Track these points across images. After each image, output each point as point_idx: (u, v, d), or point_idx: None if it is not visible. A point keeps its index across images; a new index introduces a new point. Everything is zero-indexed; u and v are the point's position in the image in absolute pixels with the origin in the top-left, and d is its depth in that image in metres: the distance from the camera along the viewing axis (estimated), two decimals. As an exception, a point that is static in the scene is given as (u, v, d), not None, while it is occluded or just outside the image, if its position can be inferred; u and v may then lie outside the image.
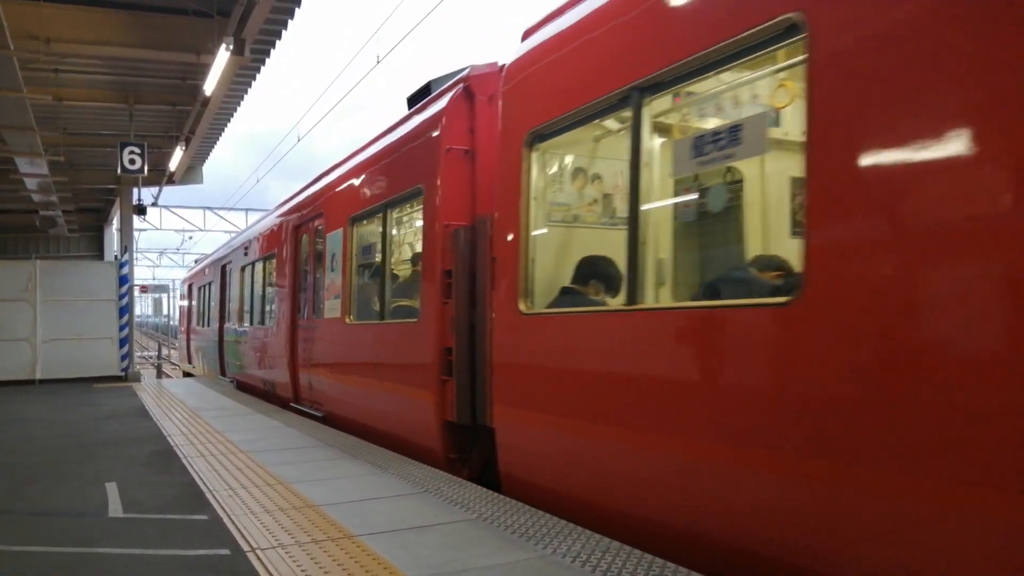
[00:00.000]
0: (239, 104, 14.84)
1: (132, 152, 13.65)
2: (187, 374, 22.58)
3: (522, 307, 4.87)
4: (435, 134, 6.27)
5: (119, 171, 13.87)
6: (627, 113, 4.13)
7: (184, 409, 10.26)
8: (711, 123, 4.06)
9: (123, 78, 12.98)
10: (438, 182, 6.15)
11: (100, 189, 21.48)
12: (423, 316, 6.29)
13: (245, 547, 3.77)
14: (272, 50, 11.92)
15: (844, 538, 2.81)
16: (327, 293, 8.95)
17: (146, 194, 18.44)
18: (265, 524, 4.17)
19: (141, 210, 17.09)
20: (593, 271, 4.81)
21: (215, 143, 17.79)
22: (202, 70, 11.30)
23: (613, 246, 4.51)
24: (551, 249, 5.13)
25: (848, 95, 2.85)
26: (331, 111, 17.81)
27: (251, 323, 13.52)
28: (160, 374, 18.60)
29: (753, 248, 4.29)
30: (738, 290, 3.81)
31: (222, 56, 9.92)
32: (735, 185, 4.36)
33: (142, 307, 45.99)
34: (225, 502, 4.72)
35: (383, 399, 7.20)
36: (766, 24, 3.17)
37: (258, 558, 3.59)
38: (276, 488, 5.08)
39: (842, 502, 2.82)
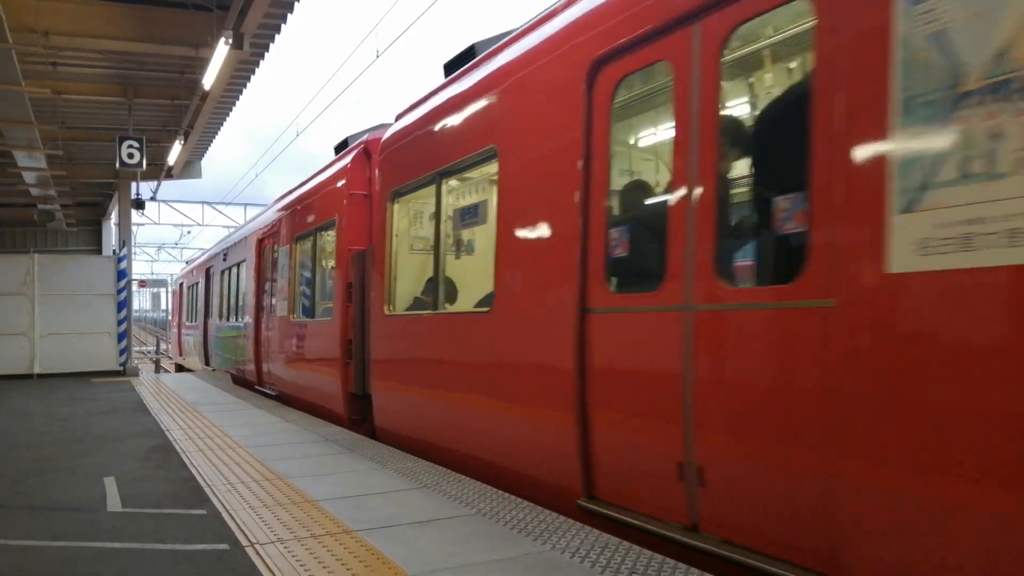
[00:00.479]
0: (238, 99, 14.81)
1: (131, 146, 13.62)
2: (178, 367, 23.47)
3: (386, 310, 7.05)
4: (342, 183, 8.71)
5: (118, 165, 13.83)
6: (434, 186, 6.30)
7: (182, 404, 10.25)
8: (472, 199, 6.39)
9: (122, 72, 12.95)
10: (344, 217, 8.53)
11: (98, 183, 21.43)
12: (335, 315, 8.49)
13: (244, 542, 3.77)
14: (271, 44, 11.89)
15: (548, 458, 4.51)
16: (278, 295, 11.04)
17: (144, 188, 18.39)
18: (264, 519, 4.17)
19: (139, 204, 17.07)
20: (431, 286, 6.65)
21: (214, 137, 17.74)
22: (201, 64, 11.27)
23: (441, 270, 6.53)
24: (407, 269, 7.20)
25: (511, 195, 4.98)
26: (330, 105, 17.79)
27: (228, 319, 15.38)
28: (158, 369, 18.59)
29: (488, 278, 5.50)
30: (482, 303, 5.80)
31: (221, 50, 9.89)
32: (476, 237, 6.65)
33: (140, 302, 45.96)
34: (224, 497, 4.71)
35: (312, 377, 9.34)
36: (484, 148, 5.40)
37: (257, 553, 3.59)
38: (275, 483, 5.08)
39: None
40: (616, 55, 4.03)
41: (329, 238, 9.32)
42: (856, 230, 2.72)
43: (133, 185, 16.90)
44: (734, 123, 3.99)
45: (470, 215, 6.24)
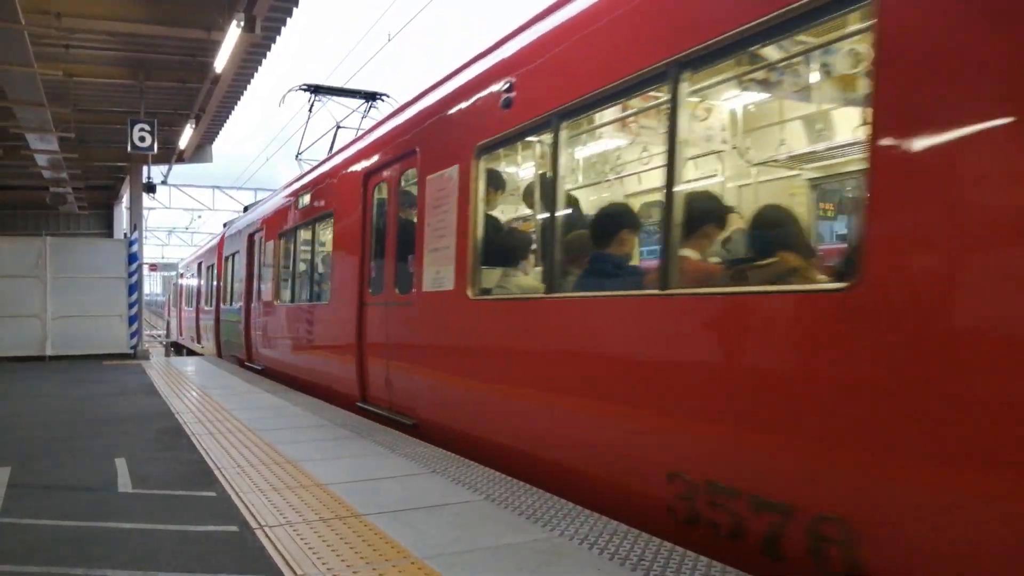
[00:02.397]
0: (249, 82, 14.81)
1: (142, 129, 13.65)
2: (174, 344, 26.52)
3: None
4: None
5: (129, 148, 13.88)
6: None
7: (192, 387, 10.30)
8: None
9: (134, 54, 12.95)
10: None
11: (110, 167, 21.51)
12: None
13: (253, 524, 3.78)
14: (283, 27, 11.87)
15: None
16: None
17: (155, 172, 18.44)
18: (273, 502, 4.18)
19: (151, 188, 17.12)
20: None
21: (225, 121, 17.77)
22: (213, 47, 11.27)
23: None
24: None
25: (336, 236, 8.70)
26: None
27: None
28: (168, 352, 18.68)
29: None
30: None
31: (233, 33, 9.88)
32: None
33: (151, 286, 46.16)
34: (233, 479, 4.73)
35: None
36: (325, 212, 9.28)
37: (266, 535, 3.59)
38: (283, 467, 5.09)
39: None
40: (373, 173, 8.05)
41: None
42: None
43: (144, 169, 16.95)
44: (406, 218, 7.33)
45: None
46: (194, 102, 14.76)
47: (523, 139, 5.55)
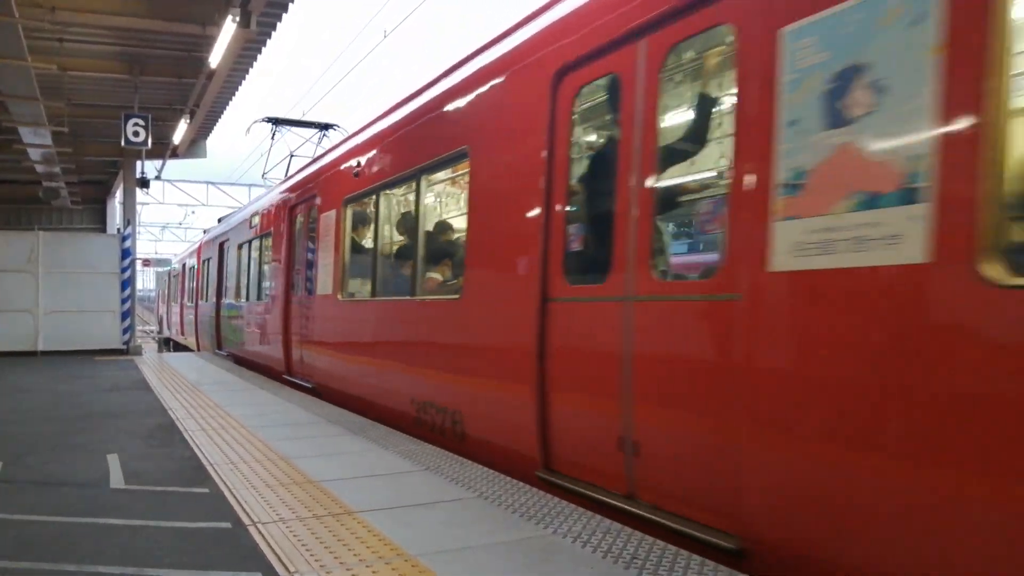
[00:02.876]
0: (244, 78, 14.75)
1: (136, 124, 13.59)
2: (167, 340, 28.38)
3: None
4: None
5: (123, 143, 13.81)
6: None
7: (185, 383, 10.28)
8: None
9: (128, 49, 12.89)
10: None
11: (103, 161, 21.39)
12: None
13: (246, 520, 3.77)
14: (278, 23, 11.83)
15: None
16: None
17: (149, 167, 18.38)
18: (266, 498, 4.18)
19: (144, 183, 17.04)
20: None
21: (220, 117, 17.70)
22: (208, 42, 11.22)
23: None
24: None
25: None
26: (336, 86, 17.69)
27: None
28: (161, 348, 18.63)
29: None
30: None
31: (228, 28, 9.84)
32: None
33: (144, 281, 46.05)
34: (226, 476, 4.72)
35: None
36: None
37: (259, 532, 3.59)
38: (277, 463, 5.08)
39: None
40: (295, 207, 10.41)
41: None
42: None
43: (138, 164, 16.88)
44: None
45: None
46: (189, 97, 14.69)
47: (364, 197, 8.21)
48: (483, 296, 5.42)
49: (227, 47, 10.63)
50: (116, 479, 4.76)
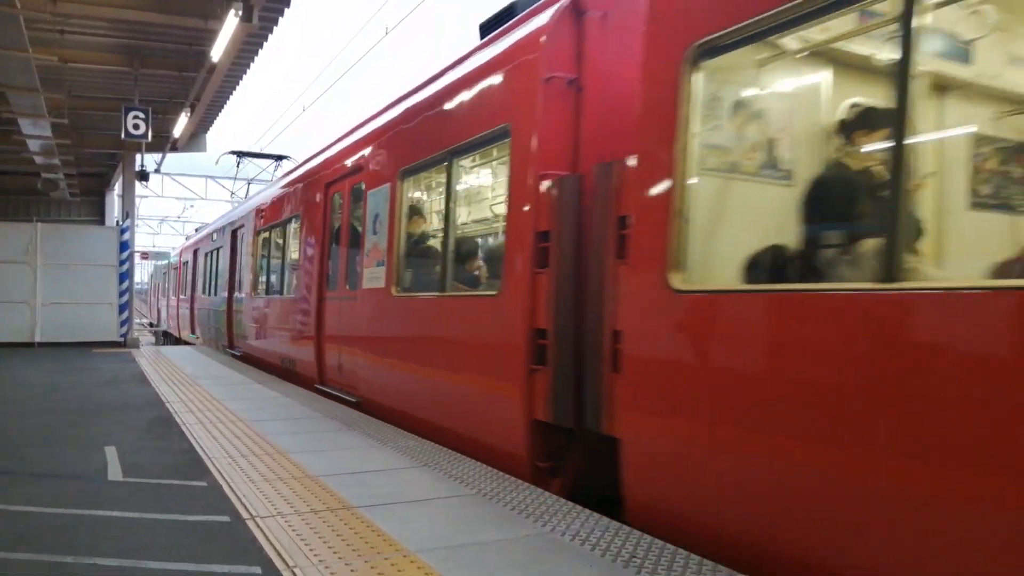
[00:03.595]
0: (245, 72, 14.71)
1: (136, 117, 13.55)
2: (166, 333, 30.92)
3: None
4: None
5: (123, 135, 13.77)
6: None
7: (182, 376, 10.27)
8: None
9: (129, 41, 12.84)
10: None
11: (103, 154, 21.33)
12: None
13: (244, 515, 3.77)
14: (280, 18, 11.79)
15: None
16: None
17: (148, 160, 18.30)
18: (264, 493, 4.18)
19: (143, 176, 17.01)
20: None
21: (220, 111, 17.63)
22: (209, 36, 11.19)
23: None
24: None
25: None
26: (337, 81, 17.67)
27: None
28: (159, 340, 18.60)
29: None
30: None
31: (230, 22, 9.80)
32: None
33: (142, 274, 45.97)
34: (224, 470, 4.72)
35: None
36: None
37: (257, 526, 3.59)
38: (275, 458, 5.08)
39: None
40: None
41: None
42: None
43: (137, 157, 16.83)
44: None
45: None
46: (189, 91, 14.64)
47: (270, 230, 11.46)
48: None
49: (229, 41, 10.60)
50: (114, 471, 4.76)
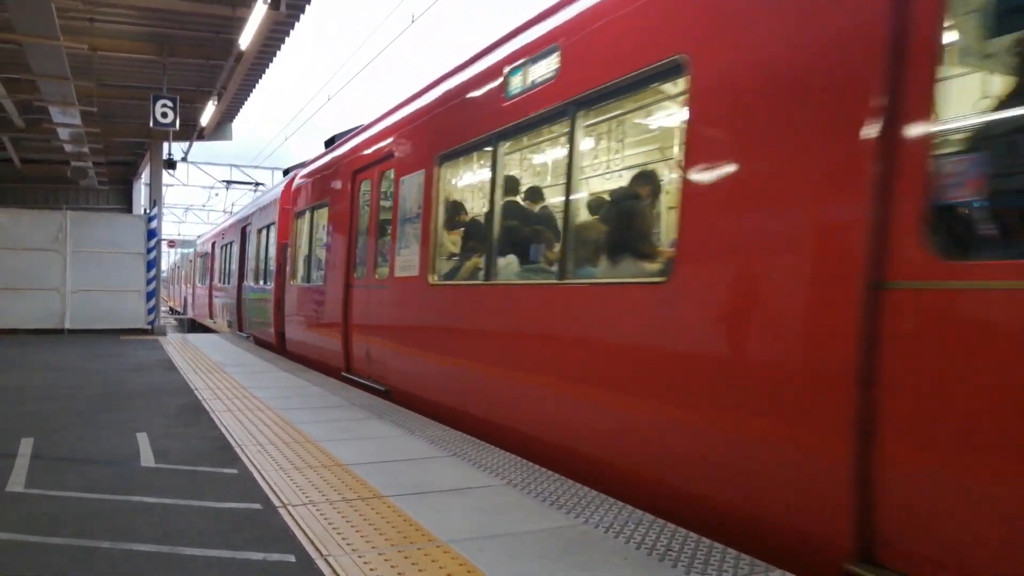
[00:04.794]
0: (272, 60, 14.75)
1: (164, 105, 13.65)
2: (172, 309, 36.54)
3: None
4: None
5: (151, 124, 13.88)
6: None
7: (209, 363, 10.35)
8: None
9: (158, 30, 12.93)
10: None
11: (130, 142, 21.55)
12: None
13: (276, 503, 3.78)
14: (307, 5, 11.79)
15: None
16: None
17: (175, 149, 18.48)
18: (295, 481, 4.18)
19: (171, 164, 17.15)
20: None
21: (246, 99, 17.72)
22: (237, 24, 11.23)
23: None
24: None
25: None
26: (363, 70, 17.68)
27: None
28: (185, 329, 18.79)
29: None
30: None
31: (259, 10, 9.84)
32: None
33: (168, 262, 46.56)
34: (254, 457, 4.73)
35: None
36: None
37: (289, 514, 3.59)
38: (304, 446, 5.09)
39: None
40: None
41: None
42: None
43: (165, 145, 16.96)
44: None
45: None
46: (217, 79, 14.73)
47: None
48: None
49: (257, 29, 10.63)
50: (146, 457, 4.79)
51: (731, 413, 3.43)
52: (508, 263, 5.72)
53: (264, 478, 4.24)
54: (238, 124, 20.30)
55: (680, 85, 4.07)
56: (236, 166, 39.33)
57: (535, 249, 5.69)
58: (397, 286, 7.55)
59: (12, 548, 3.14)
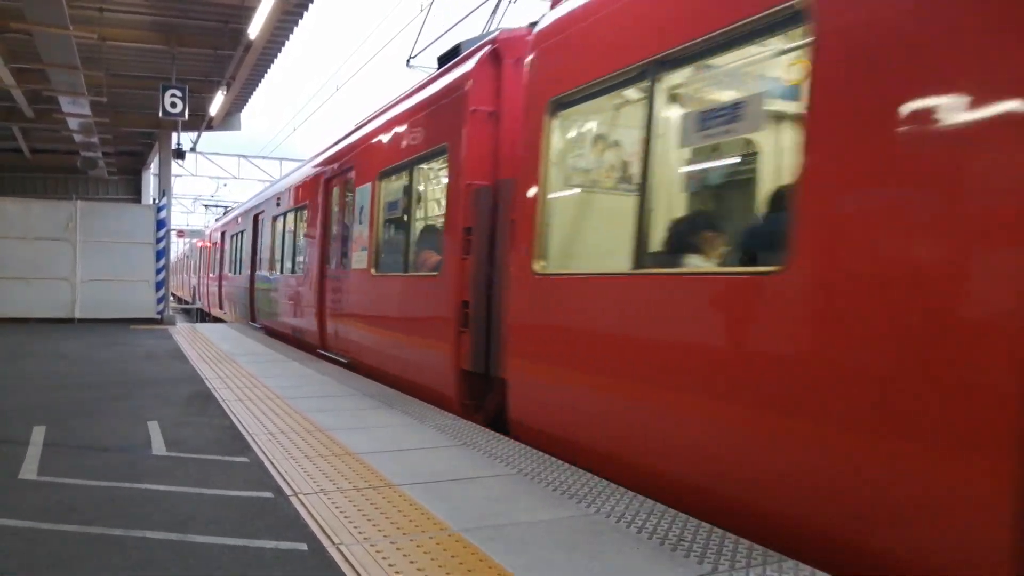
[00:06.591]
0: (280, 50, 14.73)
1: (174, 95, 13.65)
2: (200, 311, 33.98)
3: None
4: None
5: (160, 114, 13.88)
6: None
7: (218, 353, 10.38)
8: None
9: (167, 19, 12.91)
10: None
11: (139, 132, 21.57)
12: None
13: (288, 491, 3.78)
14: (316, -5, 11.78)
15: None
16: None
17: (184, 139, 18.47)
18: (306, 470, 4.19)
19: (180, 154, 17.16)
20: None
21: (255, 89, 17.71)
22: (246, 13, 11.21)
23: None
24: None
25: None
26: (371, 60, 17.64)
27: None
28: (195, 317, 18.84)
29: None
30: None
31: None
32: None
33: (177, 252, 46.70)
34: (265, 446, 4.74)
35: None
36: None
37: (301, 502, 3.60)
38: (315, 435, 5.10)
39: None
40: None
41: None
42: None
43: (174, 135, 16.97)
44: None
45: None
46: (225, 69, 14.71)
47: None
48: None
49: (266, 18, 10.61)
50: (158, 445, 4.81)
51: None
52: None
53: (275, 466, 4.25)
54: (246, 114, 20.28)
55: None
56: (245, 156, 39.37)
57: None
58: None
59: (26, 535, 3.15)
